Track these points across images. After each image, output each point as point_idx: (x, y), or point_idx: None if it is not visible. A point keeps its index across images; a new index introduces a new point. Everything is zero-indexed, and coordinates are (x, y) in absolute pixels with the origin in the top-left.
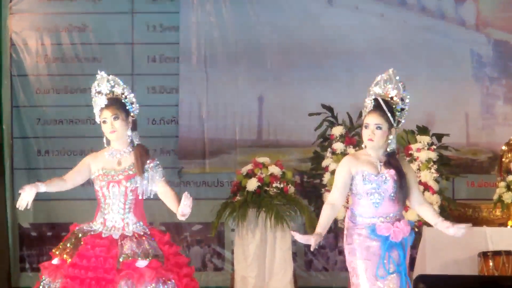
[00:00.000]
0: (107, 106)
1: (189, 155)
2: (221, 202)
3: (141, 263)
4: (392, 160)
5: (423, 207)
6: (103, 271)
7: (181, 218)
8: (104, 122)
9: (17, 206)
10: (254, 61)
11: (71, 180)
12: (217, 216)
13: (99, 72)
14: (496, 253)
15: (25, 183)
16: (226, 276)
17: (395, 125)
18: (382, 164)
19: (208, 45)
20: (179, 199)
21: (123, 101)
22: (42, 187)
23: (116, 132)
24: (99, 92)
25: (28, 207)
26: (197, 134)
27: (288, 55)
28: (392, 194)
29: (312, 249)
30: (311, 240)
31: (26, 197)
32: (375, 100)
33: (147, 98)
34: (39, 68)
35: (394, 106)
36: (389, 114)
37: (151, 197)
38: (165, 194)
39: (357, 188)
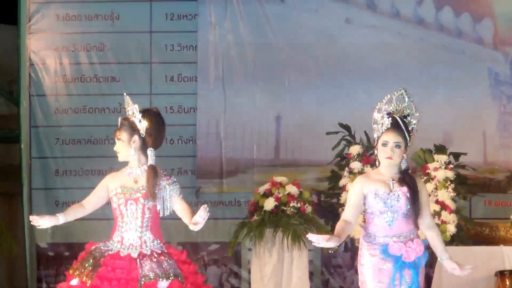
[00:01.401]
0: (118, 128)
1: (207, 175)
2: (238, 222)
3: (162, 284)
4: (406, 177)
5: (432, 232)
6: None
7: (192, 227)
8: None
9: (30, 219)
10: (272, 80)
11: (90, 205)
12: (234, 235)
13: (125, 95)
14: None
15: (43, 203)
16: None
17: (409, 144)
18: (395, 182)
19: (226, 64)
20: (194, 215)
21: (133, 120)
22: (61, 219)
23: (119, 154)
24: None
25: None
26: (215, 153)
27: (305, 74)
28: (406, 212)
29: (330, 245)
30: (326, 239)
31: (43, 223)
32: (393, 118)
33: (165, 117)
34: (57, 88)
35: (409, 125)
36: (406, 133)
37: (171, 212)
38: (182, 211)
39: (370, 206)
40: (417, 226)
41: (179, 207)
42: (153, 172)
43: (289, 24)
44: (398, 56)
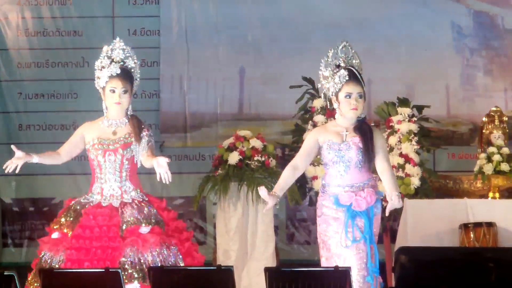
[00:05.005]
0: (119, 76)
1: (171, 129)
2: (203, 176)
3: (144, 229)
4: (363, 125)
5: (384, 175)
6: (107, 239)
7: (157, 167)
8: (113, 91)
9: (4, 167)
10: (235, 34)
11: (66, 153)
12: (199, 190)
13: (118, 39)
14: (477, 225)
15: (7, 158)
16: (208, 250)
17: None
18: (348, 132)
19: (189, 18)
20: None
21: (132, 75)
22: (35, 158)
23: (120, 105)
24: (109, 57)
25: (16, 171)
26: (178, 107)
27: (269, 28)
28: (358, 162)
29: (264, 211)
30: (268, 202)
31: (16, 161)
32: (349, 69)
33: None
34: (20, 42)
35: (361, 74)
36: (362, 83)
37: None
38: (148, 156)
39: (324, 157)
40: (372, 175)
41: (148, 153)
42: (139, 121)
43: None
44: (361, 9)
